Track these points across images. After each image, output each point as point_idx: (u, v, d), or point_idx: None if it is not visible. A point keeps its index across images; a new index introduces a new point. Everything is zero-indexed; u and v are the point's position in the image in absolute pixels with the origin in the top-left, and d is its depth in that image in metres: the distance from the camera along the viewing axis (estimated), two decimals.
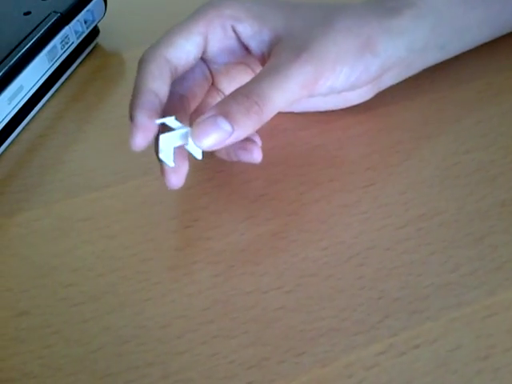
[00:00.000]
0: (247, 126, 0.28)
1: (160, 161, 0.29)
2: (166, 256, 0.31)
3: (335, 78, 0.32)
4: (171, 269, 0.31)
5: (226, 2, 0.33)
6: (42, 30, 0.40)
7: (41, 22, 0.41)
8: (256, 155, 0.32)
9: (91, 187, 0.35)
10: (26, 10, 0.42)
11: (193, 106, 0.34)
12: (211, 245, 0.32)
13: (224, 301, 0.29)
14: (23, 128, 0.40)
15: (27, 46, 0.39)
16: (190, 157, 0.30)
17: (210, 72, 0.35)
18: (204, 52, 0.33)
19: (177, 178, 0.30)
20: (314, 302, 0.29)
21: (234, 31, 0.33)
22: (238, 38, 0.33)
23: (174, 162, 0.29)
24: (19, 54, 0.39)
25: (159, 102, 0.30)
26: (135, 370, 0.27)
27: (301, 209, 0.33)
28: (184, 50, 0.32)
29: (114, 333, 0.28)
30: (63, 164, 0.37)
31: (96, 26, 0.46)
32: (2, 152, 0.38)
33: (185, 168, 0.30)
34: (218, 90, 0.36)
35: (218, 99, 0.36)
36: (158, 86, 0.30)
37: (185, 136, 0.28)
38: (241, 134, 0.28)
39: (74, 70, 0.45)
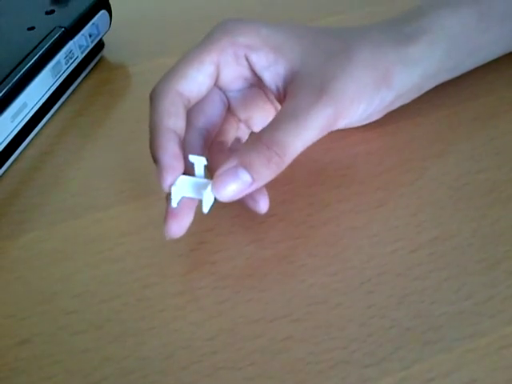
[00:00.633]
0: (267, 176, 0.28)
1: (167, 196, 0.29)
2: (171, 281, 0.30)
3: (353, 114, 0.31)
4: (175, 295, 0.30)
5: (240, 27, 0.32)
6: (46, 46, 0.40)
7: (45, 38, 0.40)
8: (262, 206, 0.30)
9: (94, 207, 0.35)
10: (29, 26, 0.41)
11: (212, 135, 0.33)
12: (217, 269, 0.31)
13: (229, 330, 0.28)
14: (26, 145, 0.39)
15: (31, 62, 0.38)
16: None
17: (226, 97, 0.34)
18: (217, 81, 0.32)
19: (178, 227, 0.29)
20: (322, 331, 0.28)
21: (247, 60, 0.32)
22: (251, 68, 0.32)
23: (180, 206, 0.28)
24: (23, 71, 0.38)
25: (179, 139, 0.29)
26: None
27: (309, 231, 0.32)
28: (196, 82, 0.31)
29: (116, 364, 0.27)
30: (67, 183, 0.36)
31: (101, 40, 0.46)
32: (5, 170, 0.37)
33: (189, 219, 0.29)
34: (233, 115, 0.35)
35: (234, 124, 0.35)
36: (175, 122, 0.29)
37: (201, 187, 0.28)
38: (259, 184, 0.28)
39: (79, 84, 0.44)
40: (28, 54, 0.39)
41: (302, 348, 0.27)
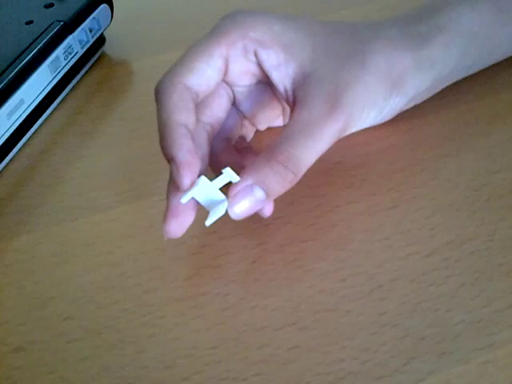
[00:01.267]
0: (279, 192, 0.28)
1: (167, 195, 0.27)
2: (172, 286, 0.29)
3: (362, 122, 0.31)
4: (177, 301, 0.28)
5: (251, 20, 0.30)
6: (45, 40, 0.38)
7: (43, 32, 0.39)
8: (266, 211, 0.29)
9: (93, 209, 0.33)
10: (27, 19, 0.40)
11: (216, 130, 0.31)
12: (220, 274, 0.29)
13: (233, 338, 0.27)
14: (24, 144, 0.38)
15: (28, 58, 0.37)
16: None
17: (232, 92, 0.33)
18: (225, 75, 0.31)
19: (177, 226, 0.27)
20: (331, 340, 0.26)
21: (256, 56, 0.30)
22: (259, 64, 0.31)
23: (181, 205, 0.27)
24: (20, 66, 0.37)
25: (191, 134, 0.27)
26: None
27: (318, 234, 0.31)
28: (205, 76, 0.29)
29: (114, 374, 0.26)
30: (65, 183, 0.35)
31: (102, 35, 0.44)
32: (1, 170, 0.36)
33: (189, 219, 0.28)
34: (240, 112, 0.33)
35: (238, 120, 0.33)
36: (185, 117, 0.27)
37: (216, 201, 0.27)
38: (271, 199, 0.28)
39: (79, 80, 0.43)
40: (25, 49, 0.38)
41: (309, 358, 0.26)
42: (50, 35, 0.39)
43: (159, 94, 0.28)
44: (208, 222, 0.27)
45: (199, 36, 0.31)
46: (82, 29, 0.41)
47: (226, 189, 0.27)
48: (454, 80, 0.35)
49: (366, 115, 0.30)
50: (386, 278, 0.28)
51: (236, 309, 0.28)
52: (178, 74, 0.29)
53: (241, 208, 0.27)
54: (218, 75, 0.30)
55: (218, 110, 0.31)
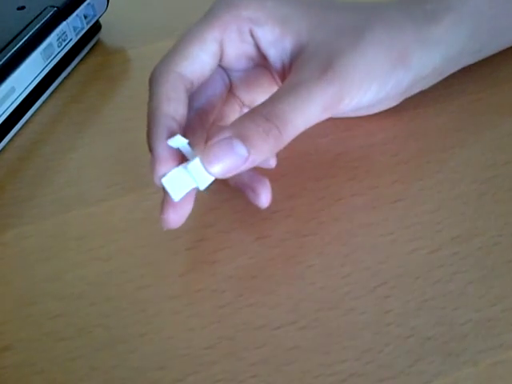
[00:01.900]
0: (264, 150, 0.25)
1: (162, 187, 0.26)
2: (167, 282, 0.28)
3: (362, 95, 0.28)
4: (171, 298, 0.27)
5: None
6: (37, 26, 0.37)
7: (35, 18, 0.38)
8: (263, 200, 0.28)
9: (86, 201, 0.32)
10: (19, 5, 0.39)
11: (211, 117, 0.30)
12: (217, 270, 0.28)
13: (230, 338, 0.26)
14: (15, 133, 0.37)
15: (20, 44, 0.36)
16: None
17: (228, 77, 0.31)
18: (220, 59, 0.29)
19: (176, 216, 0.26)
20: (333, 340, 0.25)
21: (252, 36, 0.29)
22: (256, 44, 0.30)
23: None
24: (10, 53, 0.35)
25: (178, 126, 0.26)
26: None
27: (319, 228, 0.29)
28: (199, 62, 0.28)
29: (104, 374, 0.25)
30: (57, 174, 0.34)
31: (97, 21, 0.43)
32: None
33: (188, 207, 0.26)
34: (236, 97, 0.32)
35: (236, 107, 0.32)
36: (175, 108, 0.26)
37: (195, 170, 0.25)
38: (256, 159, 0.25)
39: (73, 69, 0.41)
40: (17, 35, 0.36)
41: (310, 359, 0.25)
42: (42, 21, 0.37)
43: (151, 83, 0.27)
44: (202, 186, 0.25)
45: None
46: (77, 15, 0.40)
47: None
48: (463, 65, 0.34)
49: (366, 87, 0.28)
50: (390, 274, 0.27)
51: (233, 306, 0.27)
52: (170, 61, 0.27)
53: (220, 164, 0.24)
54: (213, 60, 0.29)
55: (211, 94, 0.30)
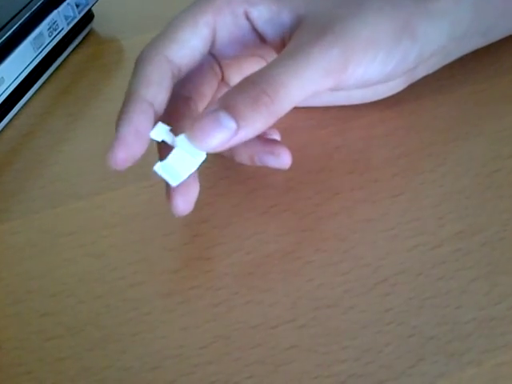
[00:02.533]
0: (255, 121, 0.23)
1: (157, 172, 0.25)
2: (160, 280, 0.27)
3: (368, 64, 0.27)
4: (165, 296, 0.26)
5: None
6: (27, 15, 0.36)
7: (25, 6, 0.37)
8: (285, 159, 0.27)
9: (77, 195, 0.31)
10: None
11: (201, 107, 0.29)
12: (212, 266, 0.27)
13: (225, 337, 0.25)
14: (5, 125, 0.36)
15: (9, 33, 0.35)
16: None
17: (220, 67, 0.30)
18: (211, 45, 0.28)
19: (184, 202, 0.25)
20: (332, 339, 0.24)
21: (248, 18, 0.28)
22: (252, 26, 0.28)
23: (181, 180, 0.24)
24: None
25: (153, 112, 0.25)
26: None
27: (317, 223, 0.28)
28: (189, 46, 0.27)
29: (95, 375, 0.24)
30: (47, 167, 0.33)
31: (90, 10, 0.42)
32: None
33: (195, 190, 0.25)
34: (229, 87, 0.31)
35: None
36: (153, 92, 0.25)
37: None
38: (248, 132, 0.23)
39: (65, 59, 0.40)
40: (6, 24, 0.35)
41: (308, 359, 0.24)
42: (32, 9, 0.36)
43: (136, 65, 0.26)
44: (199, 159, 0.24)
45: None
46: (68, 3, 0.39)
47: None
48: (469, 48, 0.32)
49: (371, 56, 0.26)
50: (391, 271, 0.26)
51: (228, 304, 0.26)
52: (160, 44, 0.26)
53: (210, 140, 0.22)
54: (204, 45, 0.27)
55: (199, 82, 0.29)
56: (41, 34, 0.37)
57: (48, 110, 0.37)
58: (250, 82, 0.23)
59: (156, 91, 0.25)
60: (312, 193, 0.30)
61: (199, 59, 0.28)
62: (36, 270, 0.28)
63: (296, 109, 0.26)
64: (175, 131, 0.24)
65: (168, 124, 0.24)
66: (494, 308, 0.25)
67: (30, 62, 0.36)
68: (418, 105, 0.33)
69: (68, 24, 0.39)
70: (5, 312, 0.26)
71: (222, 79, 0.31)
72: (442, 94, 0.34)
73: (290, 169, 0.31)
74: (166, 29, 0.27)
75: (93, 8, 0.42)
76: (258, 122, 0.23)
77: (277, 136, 0.30)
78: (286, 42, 0.28)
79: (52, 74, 0.39)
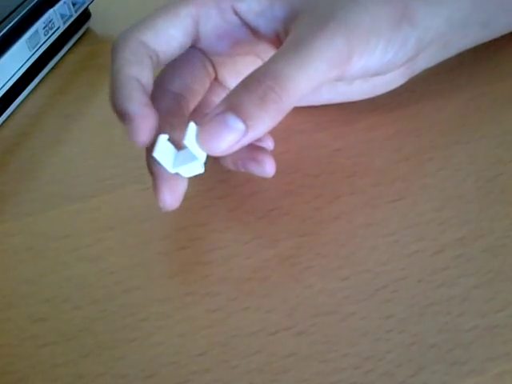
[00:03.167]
0: (264, 120, 0.22)
1: (150, 167, 0.24)
2: (156, 285, 0.26)
3: (370, 53, 0.26)
4: (161, 301, 0.26)
5: None
6: (22, 13, 0.35)
7: (20, 5, 0.36)
8: (268, 168, 0.27)
9: (72, 197, 0.30)
10: None
11: (191, 105, 0.28)
12: (210, 271, 0.27)
13: (223, 344, 0.24)
14: None
15: (3, 32, 0.34)
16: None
17: (213, 65, 0.30)
18: (197, 40, 0.28)
19: (172, 196, 0.24)
20: (331, 347, 0.24)
21: (236, 13, 0.27)
22: (242, 21, 0.28)
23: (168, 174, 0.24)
24: None
25: (143, 88, 0.24)
26: None
27: (317, 228, 0.28)
28: (165, 34, 0.26)
29: (90, 383, 0.23)
30: (43, 169, 0.32)
31: (86, 9, 0.41)
32: None
33: (183, 185, 0.25)
34: (224, 87, 0.30)
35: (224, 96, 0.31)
36: (137, 71, 0.24)
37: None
38: (258, 131, 0.22)
39: (61, 58, 0.40)
40: (0, 23, 0.35)
41: (307, 367, 0.23)
42: (27, 8, 0.36)
43: (113, 50, 0.26)
44: (201, 158, 0.23)
45: None
46: (64, 2, 0.39)
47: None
48: (470, 38, 0.31)
49: (373, 45, 0.26)
50: (391, 277, 0.26)
51: (226, 311, 0.25)
52: (134, 29, 0.26)
53: (218, 143, 0.22)
54: (184, 36, 0.27)
55: (190, 79, 0.28)
56: (36, 32, 0.36)
57: (43, 110, 0.36)
58: (254, 80, 0.23)
59: (139, 69, 0.25)
60: (311, 197, 0.29)
61: (179, 49, 0.27)
62: (29, 274, 0.27)
63: (295, 111, 0.26)
64: (165, 129, 0.24)
65: (159, 122, 0.24)
66: (495, 315, 0.24)
67: (25, 62, 0.36)
68: (418, 108, 0.33)
69: (64, 23, 0.39)
70: None
71: (216, 78, 0.30)
72: (443, 98, 0.33)
73: (290, 172, 0.31)
74: (145, 17, 0.27)
75: (90, 7, 0.42)
76: (266, 120, 0.23)
77: (270, 143, 0.29)
78: (281, 37, 0.27)
79: (48, 74, 0.38)
